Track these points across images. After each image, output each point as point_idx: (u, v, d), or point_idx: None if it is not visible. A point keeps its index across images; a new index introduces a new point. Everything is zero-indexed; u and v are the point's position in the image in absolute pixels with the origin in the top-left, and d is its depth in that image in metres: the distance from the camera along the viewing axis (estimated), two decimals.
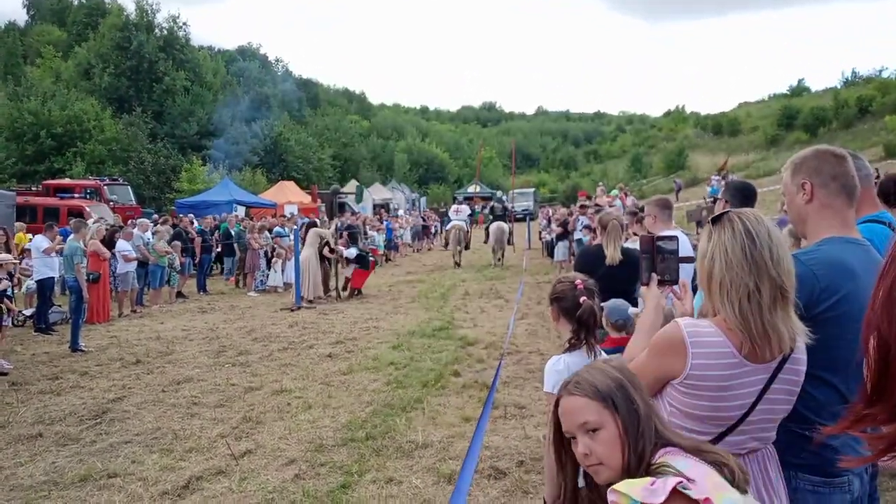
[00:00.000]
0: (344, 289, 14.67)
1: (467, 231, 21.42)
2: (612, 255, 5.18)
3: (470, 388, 7.05)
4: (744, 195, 3.80)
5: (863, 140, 43.58)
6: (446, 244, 22.12)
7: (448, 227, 21.47)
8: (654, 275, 2.20)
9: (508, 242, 20.60)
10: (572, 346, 2.72)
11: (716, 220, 1.90)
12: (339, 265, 14.96)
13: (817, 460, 1.95)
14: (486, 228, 21.31)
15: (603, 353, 2.85)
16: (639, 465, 1.45)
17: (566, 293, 2.78)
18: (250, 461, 5.21)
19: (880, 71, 60.70)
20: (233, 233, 17.11)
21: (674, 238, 2.28)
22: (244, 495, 4.60)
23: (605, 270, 4.71)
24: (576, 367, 2.64)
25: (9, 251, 11.43)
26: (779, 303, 1.77)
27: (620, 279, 4.62)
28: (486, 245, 20.87)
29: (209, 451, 5.44)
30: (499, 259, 19.75)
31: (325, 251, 14.32)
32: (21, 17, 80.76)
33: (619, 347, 3.73)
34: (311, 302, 13.68)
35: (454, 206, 23.84)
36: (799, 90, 73.39)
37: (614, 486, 1.38)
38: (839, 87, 64.02)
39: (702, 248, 1.90)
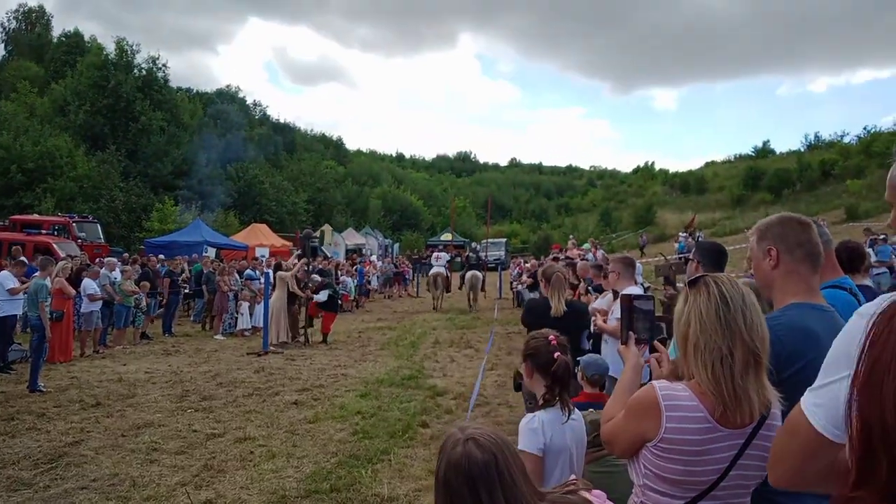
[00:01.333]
0: (310, 325, 14.52)
1: (447, 276, 23.10)
2: (557, 307, 5.31)
3: (438, 440, 6.96)
4: (715, 257, 3.89)
5: (825, 202, 44.98)
6: (428, 287, 23.85)
7: (431, 272, 23.17)
8: (631, 333, 2.24)
9: (482, 289, 22.40)
10: (546, 403, 2.74)
11: (692, 284, 1.95)
12: (304, 308, 14.88)
13: None
14: (462, 276, 23.25)
15: (577, 409, 2.87)
16: None
17: (540, 349, 2.81)
18: None
19: (841, 136, 63.02)
20: (204, 274, 16.96)
21: (650, 298, 2.33)
22: None
23: (551, 322, 4.79)
24: (550, 423, 2.66)
25: None
26: (751, 367, 1.81)
27: (565, 330, 4.70)
28: (461, 291, 23.02)
29: (168, 500, 5.28)
30: (472, 302, 21.48)
31: (296, 289, 14.26)
32: None
33: (592, 403, 3.76)
34: (282, 345, 13.57)
35: (435, 254, 25.40)
36: (764, 152, 75.61)
37: None
38: (802, 149, 66.15)
39: (678, 310, 1.95)
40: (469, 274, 21.77)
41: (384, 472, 5.98)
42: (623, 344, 2.26)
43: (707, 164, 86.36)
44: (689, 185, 69.22)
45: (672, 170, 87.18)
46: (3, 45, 76.14)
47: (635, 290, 5.29)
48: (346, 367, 11.31)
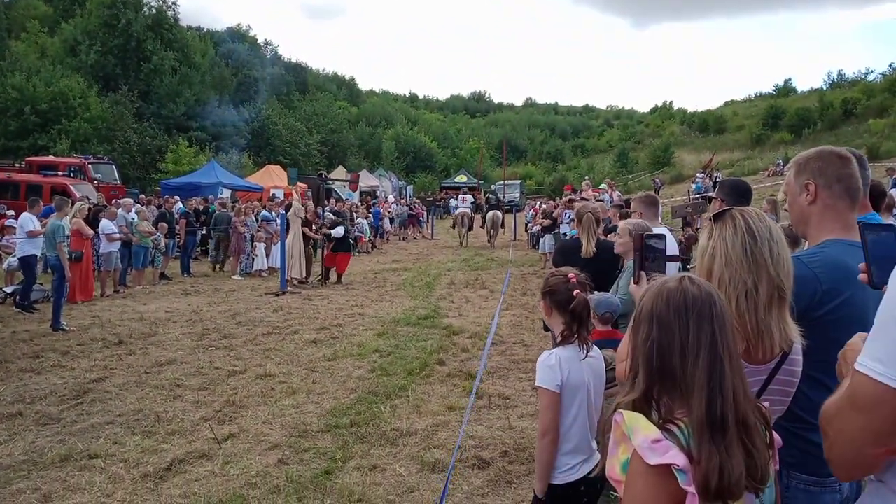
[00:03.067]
0: (326, 277, 14.62)
1: (472, 216, 25.38)
2: (587, 248, 5.21)
3: (454, 378, 7.07)
4: (738, 193, 3.79)
5: (846, 142, 43.85)
6: (454, 226, 25.92)
7: (456, 212, 25.81)
8: (642, 273, 2.21)
9: (501, 226, 24.61)
10: (564, 340, 2.72)
11: (717, 217, 1.90)
12: (323, 249, 14.98)
13: (809, 460, 1.96)
14: (483, 215, 26.11)
15: (595, 346, 2.86)
16: (645, 398, 1.44)
17: (559, 287, 2.78)
18: (233, 445, 5.20)
19: (865, 74, 61.26)
20: (231, 216, 17.09)
21: (662, 237, 2.29)
22: (227, 479, 4.59)
23: (582, 263, 4.73)
24: (568, 361, 2.65)
25: None
26: (775, 302, 1.78)
27: (596, 271, 4.64)
28: (483, 228, 25.58)
29: (192, 434, 5.42)
30: (491, 238, 23.81)
31: (309, 232, 14.36)
32: None
33: (605, 340, 3.76)
34: (302, 283, 13.76)
35: (461, 196, 28.20)
36: (785, 90, 73.83)
37: (623, 411, 1.41)
38: (825, 88, 64.49)
39: (702, 244, 1.90)
40: (490, 213, 24.44)
41: (402, 407, 6.08)
42: (635, 283, 2.23)
43: (726, 104, 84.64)
44: (708, 125, 67.98)
45: (690, 109, 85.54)
46: None
47: (658, 229, 5.21)
48: (362, 307, 11.42)
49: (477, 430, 5.51)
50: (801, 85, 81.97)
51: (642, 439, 1.34)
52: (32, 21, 51.53)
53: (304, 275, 14.42)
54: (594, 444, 2.78)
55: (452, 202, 44.34)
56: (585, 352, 2.71)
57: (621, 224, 5.16)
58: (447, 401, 6.26)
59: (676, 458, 1.31)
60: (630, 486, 1.37)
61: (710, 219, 1.92)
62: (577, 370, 2.67)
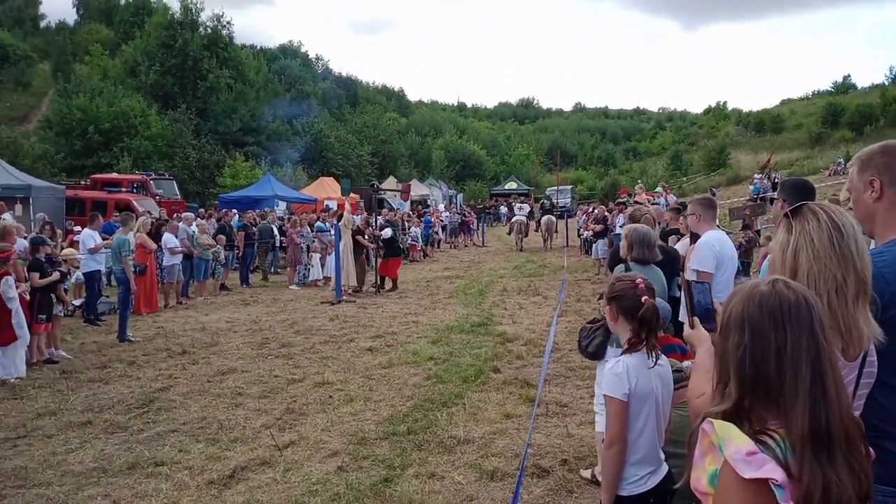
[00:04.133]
0: (381, 286, 14.77)
1: (527, 222, 26.83)
2: None
3: (510, 385, 7.02)
4: (802, 193, 3.64)
5: None
6: (510, 232, 27.36)
7: (514, 219, 26.89)
8: (695, 318, 2.16)
9: (555, 230, 25.72)
10: (632, 347, 2.66)
11: (796, 212, 1.82)
12: (376, 257, 15.15)
13: (889, 470, 1.87)
14: (538, 221, 27.17)
15: (663, 355, 2.78)
16: (735, 409, 1.36)
17: (626, 292, 2.71)
18: (294, 452, 5.27)
19: None
20: (273, 228, 17.48)
21: (704, 283, 2.27)
22: (288, 486, 4.65)
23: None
24: (636, 368, 2.58)
25: (56, 244, 11.81)
26: (861, 298, 1.70)
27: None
28: (537, 232, 26.74)
29: (253, 442, 5.51)
30: (546, 242, 25.06)
31: (362, 240, 14.53)
32: (71, 16, 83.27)
33: (661, 346, 3.67)
34: (356, 291, 13.92)
35: (517, 204, 30.30)
36: (844, 87, 71.22)
37: (713, 420, 1.34)
38: (886, 83, 61.95)
39: (781, 240, 1.82)
40: (544, 218, 25.51)
41: (459, 415, 6.07)
42: (690, 328, 2.16)
43: (783, 102, 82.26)
44: (765, 125, 66.07)
45: (746, 109, 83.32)
46: (75, 9, 78.48)
47: (716, 234, 5.06)
48: (416, 315, 11.46)
49: (535, 438, 5.44)
50: (862, 81, 78.58)
51: (735, 450, 1.27)
52: (95, 45, 53.82)
53: (358, 284, 14.58)
54: (662, 455, 2.71)
55: (503, 209, 44.41)
56: (654, 360, 2.63)
57: (623, 229, 5.06)
58: (504, 408, 6.22)
59: (774, 472, 1.24)
60: (721, 499, 1.30)
61: (787, 215, 1.84)
62: (645, 378, 2.60)
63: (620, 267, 4.60)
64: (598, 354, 4.47)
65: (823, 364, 1.32)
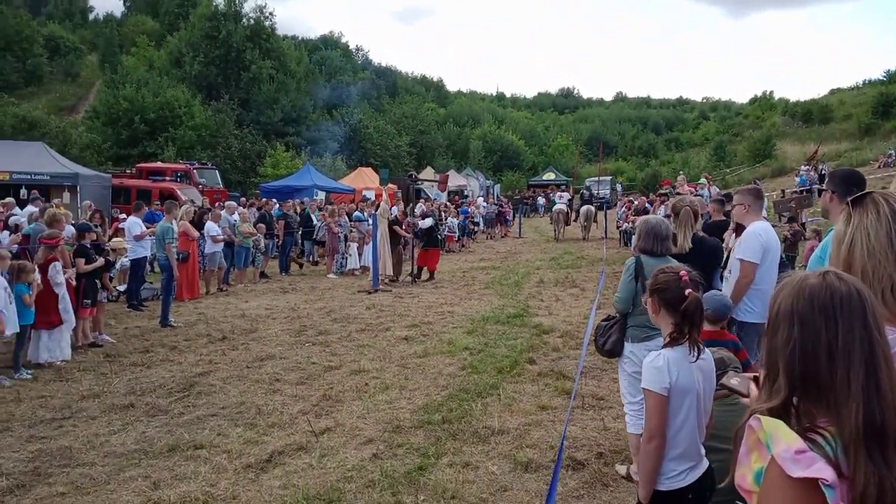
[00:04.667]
0: (418, 275, 14.82)
1: (567, 212, 27.18)
2: (682, 244, 4.99)
3: (546, 377, 6.97)
4: (852, 184, 3.50)
5: None
6: (552, 221, 27.58)
7: (555, 208, 26.84)
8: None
9: (594, 220, 25.66)
10: (674, 341, 2.60)
11: (857, 202, 1.74)
12: (413, 247, 15.20)
13: None
14: (577, 210, 27.63)
15: (707, 350, 2.72)
16: (783, 406, 1.31)
17: (670, 284, 2.65)
18: (330, 438, 5.32)
19: None
20: (313, 217, 17.66)
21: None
22: (324, 472, 4.70)
23: (676, 259, 4.53)
24: (677, 362, 2.53)
25: (104, 232, 12.12)
26: None
27: (692, 268, 4.47)
28: (576, 223, 27.10)
29: (290, 427, 5.59)
30: (585, 232, 25.05)
31: (399, 230, 14.58)
32: (118, 8, 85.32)
33: (713, 341, 3.61)
34: (392, 281, 13.97)
35: (558, 193, 29.81)
36: None
37: (761, 416, 1.30)
38: None
39: (839, 231, 1.74)
40: (584, 208, 25.79)
41: (494, 405, 6.05)
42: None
43: (832, 92, 79.71)
44: (812, 115, 64.10)
45: (793, 99, 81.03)
46: (122, 2, 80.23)
47: (763, 224, 4.94)
48: (452, 305, 11.47)
49: (571, 431, 5.40)
50: None
51: (784, 449, 1.22)
52: (141, 36, 54.96)
53: (395, 274, 14.65)
54: (702, 450, 2.65)
55: (540, 200, 44.15)
56: (696, 354, 2.57)
57: (638, 221, 4.94)
58: (539, 400, 6.18)
59: (824, 471, 1.19)
60: (767, 498, 1.25)
61: (848, 203, 1.76)
62: (686, 373, 2.54)
63: (630, 259, 4.51)
64: (614, 352, 4.42)
65: (878, 359, 1.26)
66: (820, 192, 21.41)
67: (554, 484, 3.23)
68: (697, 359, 2.57)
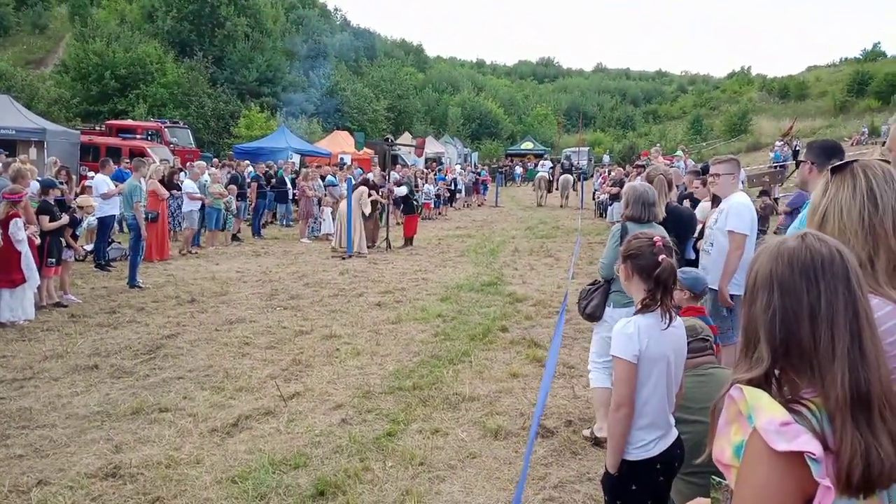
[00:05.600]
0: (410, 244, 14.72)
1: (550, 179, 29.69)
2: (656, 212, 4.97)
3: (517, 345, 6.97)
4: (829, 154, 3.47)
5: None
6: (534, 187, 29.24)
7: (537, 175, 29.36)
8: None
9: (573, 188, 27.26)
10: (645, 307, 2.55)
11: (836, 170, 1.67)
12: (389, 215, 15.05)
13: None
14: (556, 179, 30.04)
15: (678, 317, 2.67)
16: (766, 376, 1.25)
17: (643, 250, 2.59)
18: (298, 403, 5.26)
19: None
20: (286, 179, 17.40)
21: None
22: (291, 437, 4.64)
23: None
24: (647, 329, 2.48)
25: (70, 189, 11.79)
26: (894, 276, 1.56)
27: None
28: (557, 191, 29.00)
29: (259, 392, 5.51)
30: (566, 198, 26.74)
31: (377, 195, 14.45)
32: None
33: (701, 318, 3.61)
34: (368, 248, 13.92)
35: (541, 162, 34.89)
36: (873, 55, 69.27)
37: (743, 387, 1.24)
38: None
39: (815, 200, 1.68)
40: (562, 177, 27.79)
41: (465, 372, 6.03)
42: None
43: (809, 69, 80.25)
44: (789, 91, 64.63)
45: (770, 75, 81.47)
46: None
47: (745, 196, 4.92)
48: (426, 272, 11.40)
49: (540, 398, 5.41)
50: (893, 49, 76.51)
51: (767, 421, 1.16)
52: None
53: (370, 240, 14.52)
54: (671, 420, 2.62)
55: (517, 169, 44.10)
56: (668, 321, 2.52)
57: (623, 189, 4.96)
58: (510, 367, 6.17)
59: (809, 444, 1.13)
60: (748, 473, 1.19)
61: (830, 170, 1.69)
62: (657, 340, 2.49)
63: (616, 226, 4.50)
64: (594, 315, 4.46)
65: (862, 323, 1.21)
66: (798, 165, 21.59)
67: (529, 451, 3.21)
68: (668, 326, 2.53)
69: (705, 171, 7.80)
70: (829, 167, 1.71)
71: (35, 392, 5.40)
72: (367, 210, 13.91)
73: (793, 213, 7.74)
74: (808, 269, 1.24)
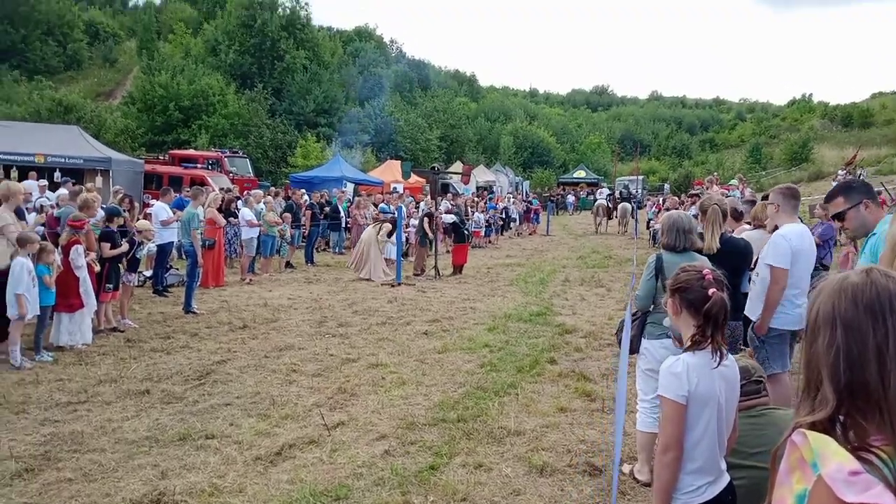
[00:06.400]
0: (443, 272, 14.72)
1: (608, 206, 30.35)
2: (710, 244, 4.81)
3: (566, 378, 6.81)
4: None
5: None
6: (594, 214, 30.06)
7: (596, 203, 30.14)
8: None
9: (632, 216, 27.90)
10: (695, 345, 2.42)
11: None
12: (439, 243, 15.10)
13: None
14: (615, 207, 31.02)
15: (730, 355, 2.54)
16: (830, 420, 1.15)
17: (692, 284, 2.47)
18: (342, 433, 5.23)
19: None
20: (340, 208, 17.65)
21: None
22: (333, 467, 4.61)
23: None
24: (697, 368, 2.36)
25: (133, 217, 12.19)
26: None
27: (719, 269, 4.31)
28: (615, 220, 30.14)
29: (304, 420, 5.51)
30: (624, 226, 28.07)
31: (428, 228, 14.54)
32: None
33: None
34: (415, 275, 13.97)
35: (599, 190, 34.30)
36: None
37: (807, 432, 1.14)
38: None
39: (893, 233, 1.57)
40: (621, 206, 29.21)
41: (511, 405, 5.92)
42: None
43: (873, 96, 77.83)
44: (852, 119, 62.74)
45: (833, 102, 79.25)
46: None
47: (793, 227, 4.71)
48: (474, 301, 11.33)
49: (589, 435, 5.25)
50: None
51: (835, 468, 1.06)
52: (179, 23, 55.54)
53: (418, 269, 14.57)
54: (723, 465, 2.48)
55: (570, 198, 43.82)
56: (718, 359, 2.39)
57: (662, 217, 4.83)
58: (558, 401, 6.03)
59: (882, 496, 1.02)
60: None
61: None
62: (707, 379, 2.37)
63: (652, 256, 4.38)
64: (631, 347, 4.32)
65: None
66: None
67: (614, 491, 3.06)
68: (719, 365, 2.40)
69: (761, 200, 7.57)
70: None
71: (88, 416, 5.53)
72: (383, 243, 14.14)
73: (824, 244, 7.49)
74: (874, 306, 1.15)
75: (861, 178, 31.58)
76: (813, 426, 1.15)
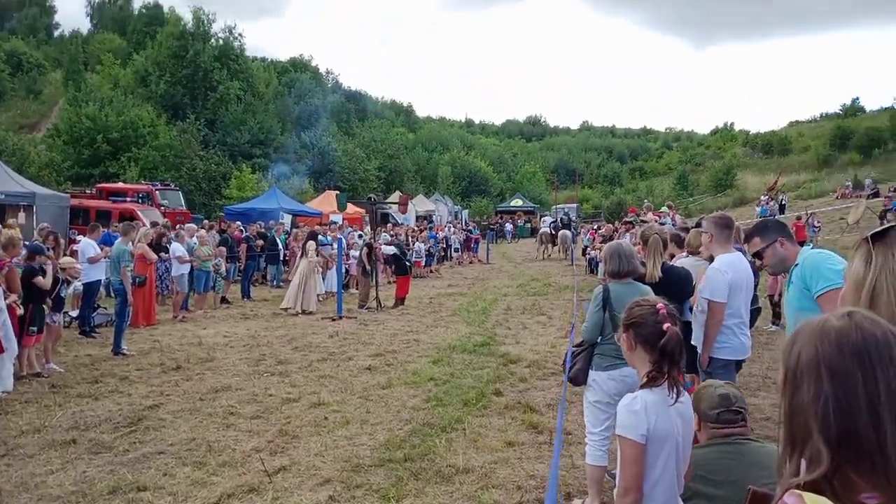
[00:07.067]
0: (401, 304, 14.56)
1: (551, 234, 30.25)
2: (652, 272, 4.88)
3: (513, 410, 6.76)
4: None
5: None
6: (538, 242, 30.82)
7: (540, 231, 31.05)
8: None
9: (573, 242, 28.43)
10: (652, 381, 2.37)
11: (879, 237, 1.52)
12: (379, 274, 14.95)
13: None
14: (555, 235, 30.44)
15: (686, 392, 2.52)
16: (823, 477, 1.08)
17: (646, 319, 2.43)
18: (284, 479, 5.01)
19: None
20: (278, 241, 17.29)
21: None
22: None
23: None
24: (655, 405, 2.32)
25: (58, 255, 11.61)
26: None
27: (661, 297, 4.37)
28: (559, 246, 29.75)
29: (242, 466, 5.26)
30: (565, 254, 28.09)
31: (366, 260, 14.39)
32: (85, 25, 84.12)
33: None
34: (359, 308, 13.75)
35: (543, 218, 36.49)
36: (853, 109, 71.22)
37: (802, 493, 1.06)
38: None
39: (857, 271, 1.52)
40: (561, 233, 29.07)
41: (458, 441, 5.81)
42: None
43: (791, 125, 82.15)
44: (772, 146, 66.03)
45: (753, 131, 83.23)
46: (88, 18, 79.33)
47: (728, 257, 4.80)
48: (417, 333, 11.22)
49: (538, 469, 5.19)
50: (871, 104, 78.40)
51: None
52: (107, 54, 54.11)
53: (361, 300, 14.38)
54: (680, 502, 2.45)
55: (508, 226, 44.38)
56: (675, 396, 2.35)
57: (604, 248, 4.92)
58: (505, 435, 5.95)
59: None
60: None
61: (867, 239, 1.55)
62: (664, 417, 2.32)
63: (598, 288, 4.40)
64: (577, 380, 4.31)
65: None
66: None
67: None
68: (676, 401, 2.37)
69: (687, 231, 7.75)
70: (869, 235, 1.57)
71: (7, 471, 5.12)
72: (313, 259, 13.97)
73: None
74: (862, 352, 1.09)
75: (783, 202, 33.03)
76: (808, 486, 1.08)
